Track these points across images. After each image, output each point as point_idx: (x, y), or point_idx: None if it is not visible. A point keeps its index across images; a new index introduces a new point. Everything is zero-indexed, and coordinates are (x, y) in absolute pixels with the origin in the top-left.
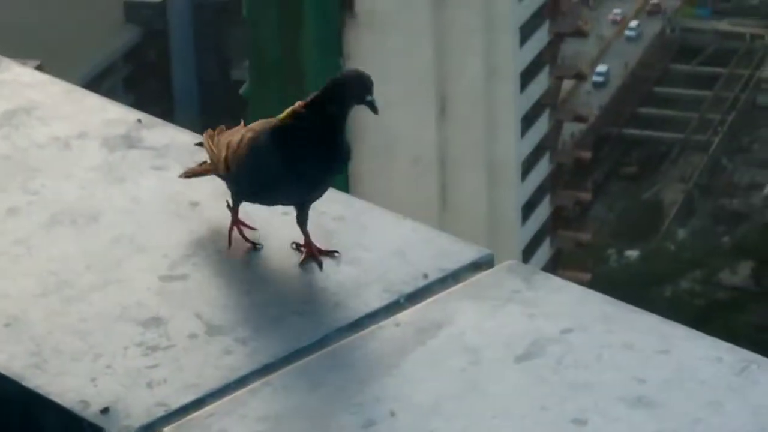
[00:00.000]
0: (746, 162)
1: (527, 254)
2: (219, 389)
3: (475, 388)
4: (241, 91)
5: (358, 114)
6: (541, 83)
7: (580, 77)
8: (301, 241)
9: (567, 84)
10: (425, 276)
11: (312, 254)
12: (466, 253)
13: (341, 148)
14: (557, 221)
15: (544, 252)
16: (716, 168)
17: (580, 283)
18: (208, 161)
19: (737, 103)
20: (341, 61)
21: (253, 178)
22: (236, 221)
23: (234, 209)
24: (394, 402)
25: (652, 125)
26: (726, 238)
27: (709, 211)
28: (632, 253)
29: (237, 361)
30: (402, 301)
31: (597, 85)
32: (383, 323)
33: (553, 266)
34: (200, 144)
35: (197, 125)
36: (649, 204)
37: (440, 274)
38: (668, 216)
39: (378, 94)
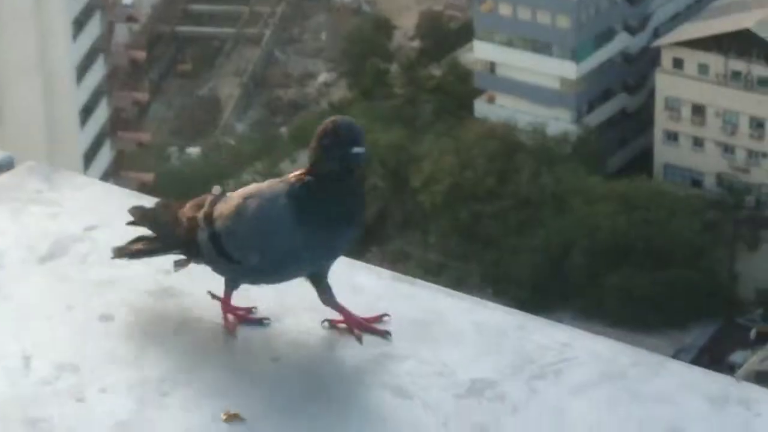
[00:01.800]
0: (298, 52)
1: (88, 158)
2: None
3: None
4: None
5: None
6: None
7: None
8: (328, 315)
9: None
10: None
11: (365, 328)
12: None
13: (360, 204)
14: (116, 123)
15: (105, 155)
16: (270, 60)
17: (144, 183)
18: (151, 238)
19: None
20: None
21: (271, 250)
22: (232, 308)
23: (226, 294)
24: None
25: (204, 21)
26: (284, 129)
27: (265, 103)
28: (193, 150)
29: None
30: None
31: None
32: None
33: (116, 168)
34: (133, 222)
35: None
36: (206, 100)
37: None
38: (226, 110)
39: None
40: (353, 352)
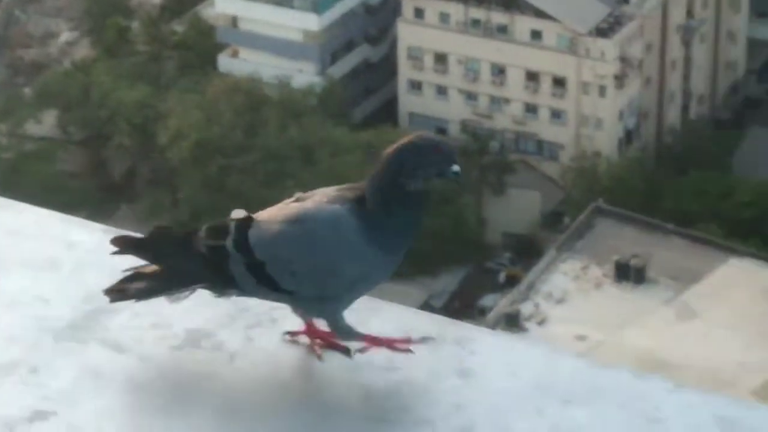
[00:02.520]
0: (39, 12)
1: None
2: None
3: None
4: None
5: None
6: None
7: None
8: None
9: None
10: None
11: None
12: None
13: (421, 223)
14: None
15: None
16: (10, 20)
17: None
18: (152, 273)
19: None
20: None
21: (337, 277)
22: (318, 332)
23: (307, 321)
24: None
25: None
26: (27, 89)
27: (7, 64)
28: None
29: None
30: None
31: None
32: None
33: None
34: (119, 251)
35: None
36: None
37: None
38: None
39: None
40: (67, 306)
